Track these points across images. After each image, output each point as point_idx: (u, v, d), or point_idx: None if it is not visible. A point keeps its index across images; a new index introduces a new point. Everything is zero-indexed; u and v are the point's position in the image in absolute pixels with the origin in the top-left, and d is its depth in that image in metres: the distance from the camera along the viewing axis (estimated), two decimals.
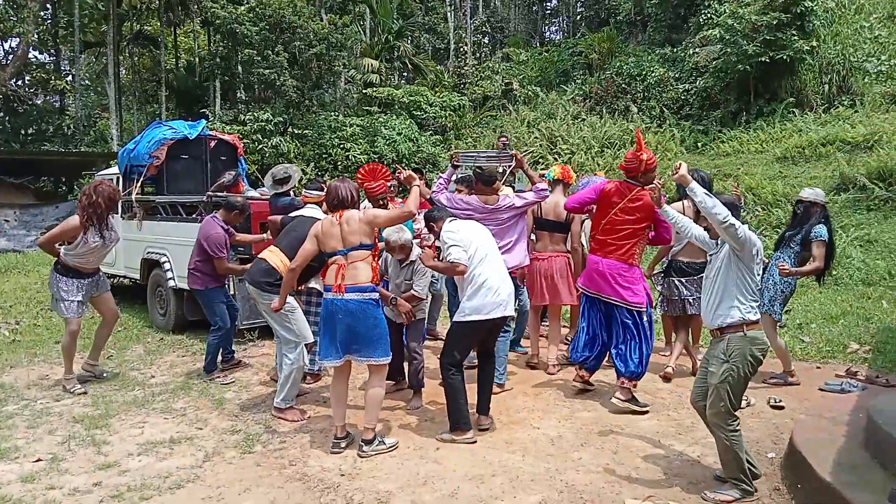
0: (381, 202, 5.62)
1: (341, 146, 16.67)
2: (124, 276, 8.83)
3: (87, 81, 28.97)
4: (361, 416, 4.36)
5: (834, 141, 12.61)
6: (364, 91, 20.73)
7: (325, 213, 5.15)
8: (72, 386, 5.41)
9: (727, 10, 15.80)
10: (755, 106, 15.67)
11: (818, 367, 5.76)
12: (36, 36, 20.45)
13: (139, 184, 7.93)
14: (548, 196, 5.37)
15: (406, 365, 5.22)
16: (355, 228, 4.10)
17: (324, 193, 5.24)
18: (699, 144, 15.88)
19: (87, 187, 5.40)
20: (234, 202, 5.82)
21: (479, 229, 4.54)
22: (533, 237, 5.90)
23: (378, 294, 4.21)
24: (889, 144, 11.64)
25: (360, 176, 5.48)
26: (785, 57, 14.30)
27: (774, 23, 14.16)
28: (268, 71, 16.18)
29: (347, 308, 4.04)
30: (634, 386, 4.79)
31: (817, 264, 5.06)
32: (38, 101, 23.67)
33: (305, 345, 4.86)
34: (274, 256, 4.83)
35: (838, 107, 14.46)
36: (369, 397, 4.17)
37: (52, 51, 24.24)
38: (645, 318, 4.83)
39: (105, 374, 5.80)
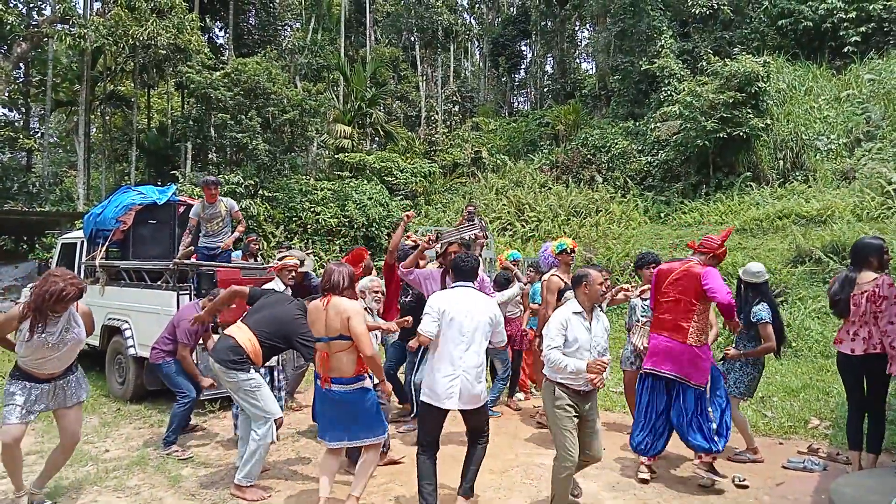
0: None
1: (312, 209, 16.78)
2: None
3: (55, 139, 28.81)
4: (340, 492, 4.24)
5: (789, 214, 13.13)
6: (336, 156, 21.04)
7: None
8: None
9: (686, 88, 16.65)
10: (714, 179, 16.30)
11: (780, 444, 5.82)
12: (7, 94, 20.41)
13: (104, 248, 7.83)
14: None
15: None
16: (336, 317, 4.06)
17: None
18: (662, 214, 16.37)
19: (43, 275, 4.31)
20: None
21: (461, 299, 4.11)
22: None
23: (365, 381, 4.16)
24: (841, 219, 12.14)
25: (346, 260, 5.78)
26: (741, 133, 15.05)
27: (731, 101, 14.96)
28: (240, 134, 16.33)
29: (333, 399, 4.10)
30: (713, 459, 4.77)
31: (769, 345, 5.19)
32: (4, 158, 23.38)
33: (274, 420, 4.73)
34: (241, 333, 4.60)
35: (793, 182, 15.12)
36: (361, 465, 4.15)
37: (21, 109, 24.15)
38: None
39: None
